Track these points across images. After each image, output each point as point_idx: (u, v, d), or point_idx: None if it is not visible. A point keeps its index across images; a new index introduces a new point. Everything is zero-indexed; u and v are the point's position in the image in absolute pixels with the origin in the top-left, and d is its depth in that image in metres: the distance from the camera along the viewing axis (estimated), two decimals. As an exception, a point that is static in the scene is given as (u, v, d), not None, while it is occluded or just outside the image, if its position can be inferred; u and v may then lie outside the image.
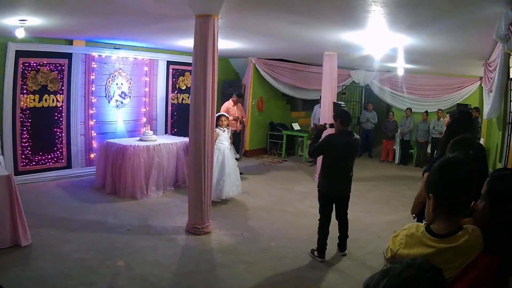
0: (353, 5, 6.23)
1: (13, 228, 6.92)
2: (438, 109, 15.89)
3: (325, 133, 7.51)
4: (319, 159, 11.47)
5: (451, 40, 8.69)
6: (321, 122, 11.71)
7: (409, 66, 14.81)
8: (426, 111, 16.29)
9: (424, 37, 8.60)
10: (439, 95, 16.85)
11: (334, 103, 12.69)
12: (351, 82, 18.31)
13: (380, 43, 9.50)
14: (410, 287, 1.53)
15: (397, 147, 17.09)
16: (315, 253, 7.21)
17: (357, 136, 7.15)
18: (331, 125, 7.40)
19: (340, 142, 6.91)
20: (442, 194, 2.37)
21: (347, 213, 7.33)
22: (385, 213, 9.96)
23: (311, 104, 17.74)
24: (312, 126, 16.66)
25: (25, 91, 11.00)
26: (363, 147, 17.77)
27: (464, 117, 5.66)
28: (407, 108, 16.89)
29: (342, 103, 16.92)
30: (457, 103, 16.28)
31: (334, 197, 7.14)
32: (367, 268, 6.91)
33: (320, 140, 7.08)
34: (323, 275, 6.71)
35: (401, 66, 14.60)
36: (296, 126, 17.59)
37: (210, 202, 8.23)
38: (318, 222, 7.21)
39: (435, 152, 14.31)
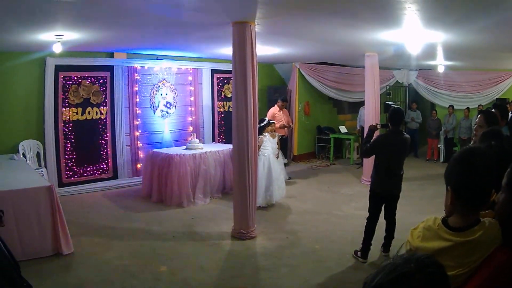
0: (383, 3, 6.17)
1: (54, 237, 6.98)
2: (479, 105, 15.65)
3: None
4: (367, 161, 11.60)
5: (485, 34, 8.43)
6: (366, 123, 11.65)
7: (448, 63, 14.67)
8: (468, 108, 16.08)
9: (459, 33, 8.38)
10: (479, 90, 16.71)
11: (385, 103, 12.57)
12: (395, 82, 18.13)
13: (417, 40, 9.25)
14: (404, 282, 1.43)
15: (441, 146, 16.85)
16: (358, 253, 7.12)
17: (407, 135, 7.15)
18: (383, 125, 7.60)
19: (392, 141, 6.93)
20: (459, 186, 2.27)
21: (395, 213, 7.21)
22: (428, 213, 9.41)
23: (357, 106, 17.50)
24: (358, 128, 16.48)
25: (67, 105, 11.18)
26: (409, 147, 17.24)
27: (493, 112, 5.57)
28: (450, 106, 16.71)
29: (392, 102, 16.77)
30: (496, 98, 16.09)
31: (385, 195, 7.07)
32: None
33: (372, 140, 7.11)
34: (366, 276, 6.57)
35: (440, 64, 14.46)
36: (343, 129, 17.43)
37: (255, 207, 8.20)
38: (366, 221, 7.15)
39: None
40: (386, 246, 7.27)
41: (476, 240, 2.17)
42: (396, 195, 7.14)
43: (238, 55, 7.67)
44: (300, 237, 8.30)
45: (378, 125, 7.59)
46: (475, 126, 4.97)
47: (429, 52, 11.08)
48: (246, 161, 7.85)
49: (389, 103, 16.96)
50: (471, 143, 5.45)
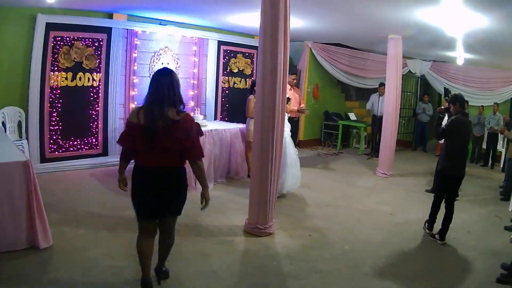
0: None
1: (30, 226, 5.67)
2: (494, 103, 14.93)
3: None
4: (385, 152, 12.02)
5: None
6: (385, 112, 12.16)
7: (468, 56, 13.73)
8: (482, 106, 15.32)
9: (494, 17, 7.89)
10: (495, 88, 15.81)
11: (445, 88, 11.89)
12: (407, 72, 17.10)
13: (453, 22, 8.71)
14: None
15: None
16: (426, 225, 7.69)
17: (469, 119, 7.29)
18: (446, 109, 7.88)
19: (465, 124, 7.32)
20: None
21: (455, 198, 7.47)
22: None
23: (365, 93, 17.03)
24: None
25: (56, 68, 9.91)
26: (418, 142, 17.60)
27: None
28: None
29: (448, 87, 16.12)
30: (511, 98, 15.50)
31: (456, 178, 7.37)
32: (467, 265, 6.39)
33: (449, 122, 7.31)
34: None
35: (460, 56, 13.53)
36: (352, 116, 16.85)
37: (275, 199, 7.18)
38: (433, 198, 7.63)
39: (489, 146, 14.70)
40: (443, 233, 7.34)
41: None
42: (464, 175, 7.44)
43: (270, 28, 6.53)
44: (324, 234, 7.35)
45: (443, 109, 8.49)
46: None
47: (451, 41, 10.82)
48: (271, 147, 6.82)
49: (447, 87, 16.43)
50: None
